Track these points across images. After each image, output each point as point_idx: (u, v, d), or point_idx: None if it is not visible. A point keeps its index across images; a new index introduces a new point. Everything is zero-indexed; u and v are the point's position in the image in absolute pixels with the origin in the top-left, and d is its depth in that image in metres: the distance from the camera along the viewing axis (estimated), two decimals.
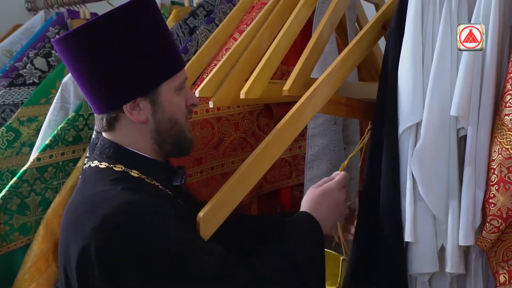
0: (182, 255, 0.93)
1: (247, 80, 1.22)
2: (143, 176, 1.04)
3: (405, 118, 1.04)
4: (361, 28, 1.66)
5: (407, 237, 1.03)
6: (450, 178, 1.02)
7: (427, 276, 1.06)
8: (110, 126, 1.04)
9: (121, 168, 1.03)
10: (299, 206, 1.38)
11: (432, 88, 1.01)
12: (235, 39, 1.43)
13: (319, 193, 1.13)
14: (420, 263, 1.04)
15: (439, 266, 1.04)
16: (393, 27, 1.10)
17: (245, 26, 1.45)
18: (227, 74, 1.26)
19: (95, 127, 1.42)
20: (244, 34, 1.36)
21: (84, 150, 1.50)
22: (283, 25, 1.34)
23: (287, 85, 1.13)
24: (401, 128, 1.05)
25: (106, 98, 1.02)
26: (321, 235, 1.08)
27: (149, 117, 1.03)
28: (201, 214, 1.00)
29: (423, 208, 1.03)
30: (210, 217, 1.01)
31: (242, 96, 1.15)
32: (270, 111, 1.52)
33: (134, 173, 1.03)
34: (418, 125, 1.04)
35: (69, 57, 1.02)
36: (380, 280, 1.07)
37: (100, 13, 2.07)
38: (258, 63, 1.25)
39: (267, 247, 1.04)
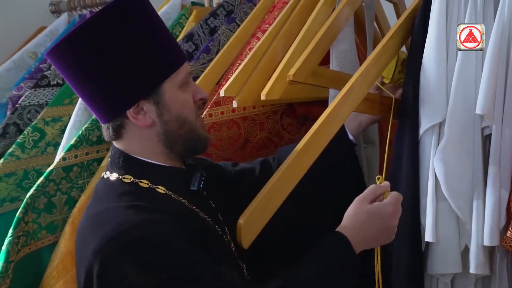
0: (181, 280, 0.86)
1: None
2: (153, 186, 0.99)
3: (428, 117, 1.03)
4: (380, 27, 1.66)
5: (428, 237, 1.02)
6: (474, 178, 1.01)
7: (449, 277, 1.05)
8: (117, 134, 1.01)
9: (130, 179, 0.99)
10: None
11: (456, 87, 1.00)
12: (258, 39, 1.44)
13: (367, 213, 0.97)
14: (443, 263, 1.03)
15: (463, 266, 1.03)
16: (417, 23, 1.08)
17: (267, 25, 1.46)
18: (251, 73, 1.27)
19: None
20: (266, 33, 1.37)
21: (108, 150, 1.51)
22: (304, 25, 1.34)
23: (292, 70, 1.10)
24: (423, 127, 1.04)
25: (108, 106, 0.97)
26: (355, 268, 0.95)
27: (155, 119, 0.98)
28: (241, 221, 0.96)
29: (446, 208, 1.02)
30: (251, 223, 0.98)
31: (262, 97, 1.15)
32: (294, 110, 1.52)
33: (144, 184, 0.99)
34: (441, 124, 1.03)
35: (64, 67, 0.97)
36: (397, 280, 1.07)
37: None
38: (280, 62, 1.26)
39: (290, 273, 0.95)
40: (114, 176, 1.01)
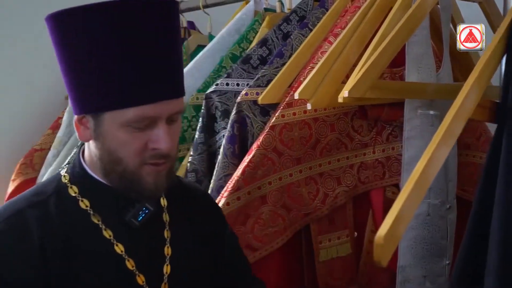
0: None
1: (343, 82, 1.25)
2: (80, 197, 0.90)
3: None
4: (456, 29, 1.65)
5: None
6: None
7: None
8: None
9: (66, 179, 0.92)
10: (390, 207, 1.38)
11: None
12: (330, 42, 1.48)
13: None
14: None
15: None
16: None
17: (339, 29, 1.49)
18: (324, 77, 1.30)
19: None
20: (340, 37, 1.39)
21: (188, 149, 1.61)
22: (377, 28, 1.36)
23: (347, 86, 1.09)
24: None
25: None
26: None
27: (92, 137, 0.88)
28: (381, 233, 0.84)
29: None
30: (390, 236, 0.86)
31: (345, 94, 1.13)
32: (364, 112, 1.54)
33: (72, 191, 0.91)
34: None
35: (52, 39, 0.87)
36: (489, 284, 1.01)
37: (196, 22, 2.20)
38: (352, 66, 1.28)
39: None
40: (63, 169, 0.95)
